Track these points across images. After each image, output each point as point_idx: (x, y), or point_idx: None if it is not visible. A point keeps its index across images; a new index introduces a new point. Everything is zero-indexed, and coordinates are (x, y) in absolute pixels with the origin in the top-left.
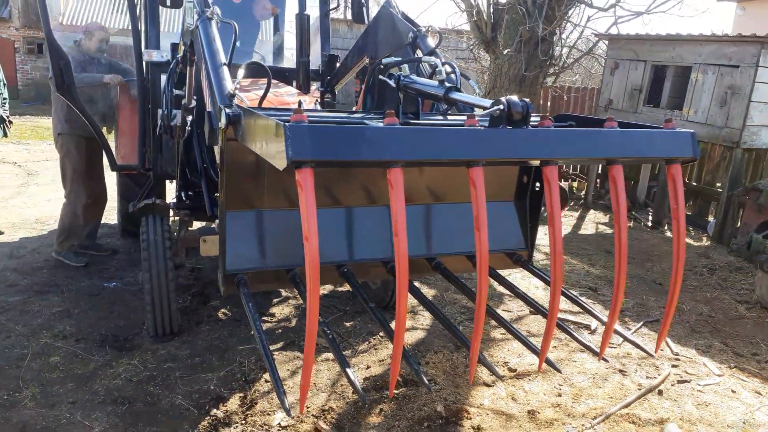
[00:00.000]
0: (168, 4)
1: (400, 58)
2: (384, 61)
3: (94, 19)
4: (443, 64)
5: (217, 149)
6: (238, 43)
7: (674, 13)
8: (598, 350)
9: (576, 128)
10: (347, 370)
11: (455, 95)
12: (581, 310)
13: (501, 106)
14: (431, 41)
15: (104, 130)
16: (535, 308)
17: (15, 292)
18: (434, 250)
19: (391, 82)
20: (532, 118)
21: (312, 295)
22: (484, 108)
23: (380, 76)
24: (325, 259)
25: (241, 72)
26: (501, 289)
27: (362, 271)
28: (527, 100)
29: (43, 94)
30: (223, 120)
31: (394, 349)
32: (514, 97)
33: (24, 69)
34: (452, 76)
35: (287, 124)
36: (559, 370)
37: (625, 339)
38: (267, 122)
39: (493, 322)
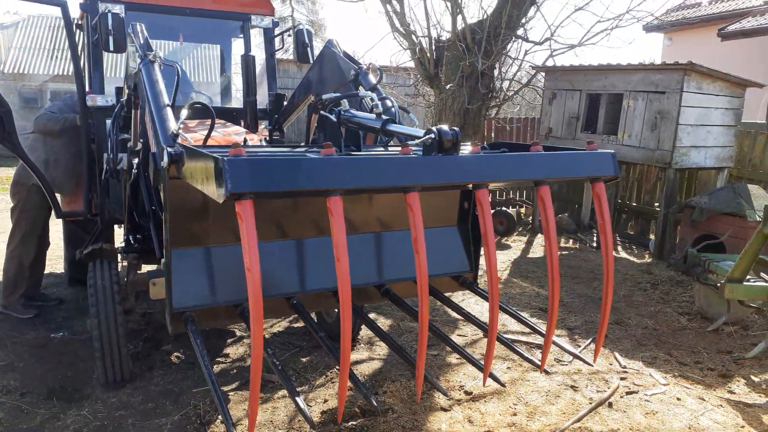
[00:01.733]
0: (111, 48)
1: (339, 94)
2: (324, 96)
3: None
4: (381, 98)
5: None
6: (180, 85)
7: (604, 45)
8: (539, 363)
9: (504, 153)
10: (296, 398)
11: (392, 127)
12: (532, 331)
13: (432, 135)
14: (372, 78)
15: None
16: (479, 327)
17: None
18: (383, 277)
19: (332, 117)
20: (463, 146)
21: (256, 324)
22: (418, 137)
23: (322, 112)
24: (275, 291)
25: (184, 112)
26: (455, 314)
27: (313, 302)
28: (456, 128)
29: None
30: (166, 159)
31: (341, 374)
32: (445, 127)
33: None
34: (391, 110)
35: (225, 158)
36: (502, 384)
37: (566, 351)
38: (206, 158)
39: (450, 347)
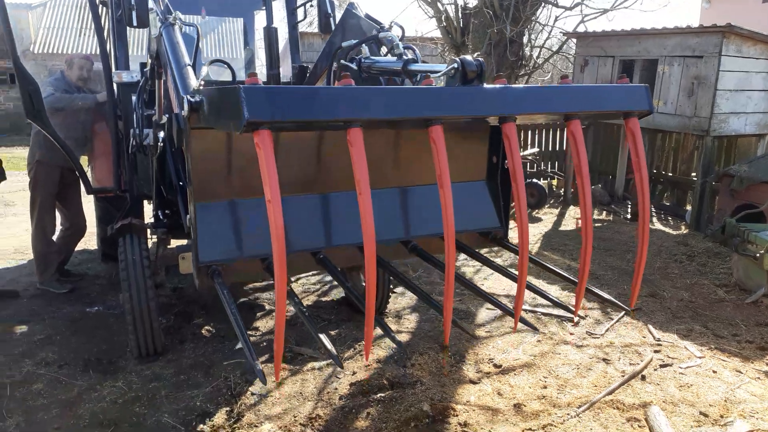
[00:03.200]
0: (135, 23)
1: (358, 41)
2: (344, 44)
3: (63, 44)
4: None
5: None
6: (201, 45)
7: (638, 8)
8: (573, 309)
9: (531, 85)
10: (320, 335)
11: (413, 66)
12: (563, 280)
13: (455, 65)
14: (396, 36)
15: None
16: (509, 277)
17: None
18: (410, 233)
19: (353, 66)
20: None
21: (278, 254)
22: (440, 72)
23: (342, 61)
24: (300, 245)
25: (204, 69)
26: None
27: (340, 258)
28: (482, 59)
29: (18, 125)
30: (186, 107)
31: (366, 317)
32: (469, 57)
33: None
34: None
35: (242, 86)
36: (535, 329)
37: (600, 297)
38: (223, 91)
39: (479, 320)
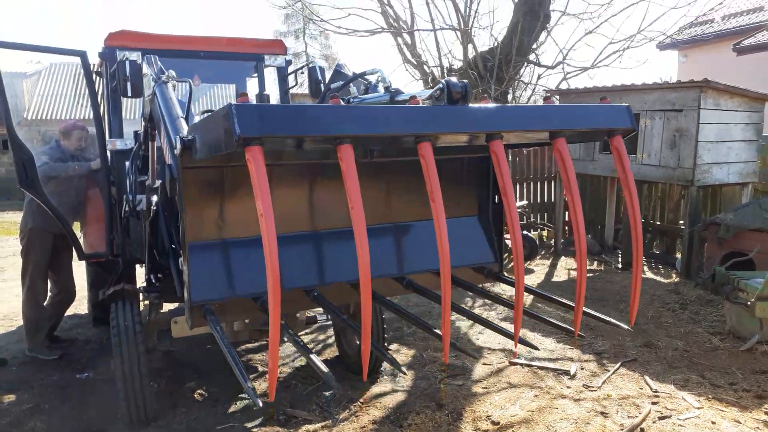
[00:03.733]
0: (129, 94)
1: (346, 80)
2: (332, 85)
3: (57, 111)
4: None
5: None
6: (193, 108)
7: (617, 66)
8: (572, 329)
9: (517, 105)
10: (310, 355)
11: (401, 96)
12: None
13: (441, 86)
14: (381, 88)
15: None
16: (506, 305)
17: None
18: (404, 269)
19: (339, 101)
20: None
21: (272, 270)
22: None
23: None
24: (294, 283)
25: (196, 119)
26: (480, 342)
27: (333, 295)
28: (466, 81)
29: (10, 190)
30: (179, 145)
31: (363, 337)
32: (453, 79)
33: None
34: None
35: (233, 104)
36: (535, 347)
37: (597, 318)
38: (215, 114)
39: (475, 376)
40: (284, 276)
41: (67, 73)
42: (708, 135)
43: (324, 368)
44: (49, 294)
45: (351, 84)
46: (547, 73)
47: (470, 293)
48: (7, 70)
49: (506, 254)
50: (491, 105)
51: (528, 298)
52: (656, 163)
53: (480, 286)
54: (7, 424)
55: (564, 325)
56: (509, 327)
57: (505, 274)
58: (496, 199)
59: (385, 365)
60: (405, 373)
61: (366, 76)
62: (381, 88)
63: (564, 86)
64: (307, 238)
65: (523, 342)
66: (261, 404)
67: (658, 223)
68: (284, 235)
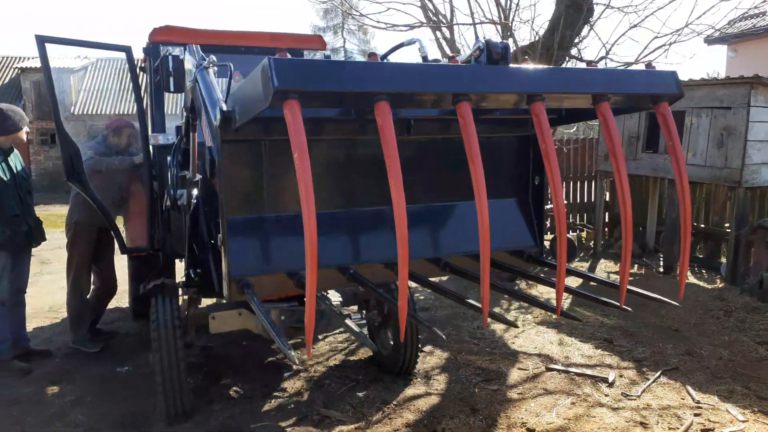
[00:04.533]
0: (172, 89)
1: (389, 49)
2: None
3: (102, 106)
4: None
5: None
6: (234, 82)
7: (662, 61)
8: (617, 304)
9: (560, 66)
10: (347, 322)
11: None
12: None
13: (480, 45)
14: (420, 58)
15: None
16: (546, 283)
17: (27, 383)
18: (441, 251)
19: (377, 58)
20: None
21: (309, 229)
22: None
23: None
24: (328, 261)
25: None
26: (515, 346)
27: (369, 275)
28: (508, 42)
29: (56, 183)
30: (219, 116)
31: (399, 308)
32: (494, 39)
33: (38, 159)
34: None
35: (271, 57)
36: (578, 319)
37: (642, 295)
38: (253, 73)
39: (510, 381)
40: (320, 254)
41: (113, 68)
42: (758, 134)
43: (359, 330)
44: (91, 287)
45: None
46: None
47: (508, 290)
48: (55, 65)
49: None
50: (533, 65)
51: (564, 303)
52: (702, 163)
53: (518, 281)
54: (50, 415)
55: (610, 301)
56: (545, 333)
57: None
58: (536, 181)
59: (419, 368)
60: (444, 338)
61: (404, 47)
62: (419, 58)
63: None
64: (343, 217)
65: (565, 314)
66: (297, 362)
67: (703, 225)
68: (321, 213)
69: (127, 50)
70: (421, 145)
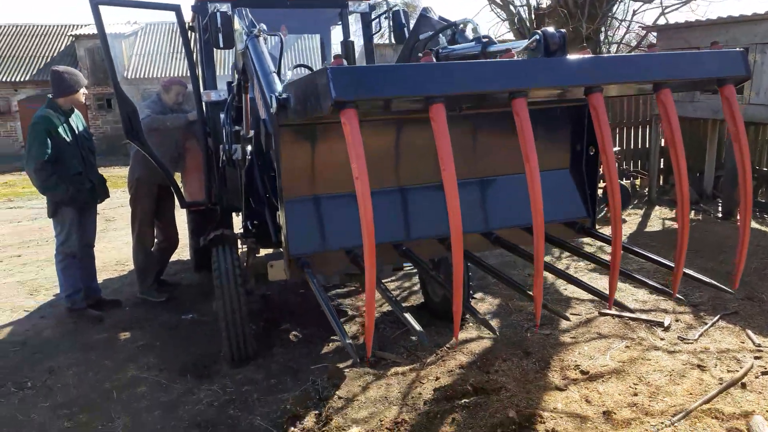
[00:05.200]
0: (221, 45)
1: (436, 30)
2: (420, 36)
3: (154, 69)
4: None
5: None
6: (282, 60)
7: None
8: (670, 292)
9: (617, 54)
10: (405, 315)
11: (493, 47)
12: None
13: (537, 37)
14: (470, 33)
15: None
16: (599, 262)
17: (101, 330)
18: (491, 225)
19: (432, 58)
20: None
21: (368, 234)
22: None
23: (419, 54)
24: (382, 238)
25: (289, 74)
26: (567, 293)
27: (421, 250)
28: (564, 30)
29: (114, 147)
30: (274, 103)
31: (454, 294)
32: (550, 29)
33: (96, 124)
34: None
35: (329, 67)
36: (631, 310)
37: (698, 280)
38: (310, 77)
39: (563, 326)
40: (375, 231)
41: (162, 32)
42: None
43: (417, 326)
44: (155, 241)
45: (439, 34)
46: (644, 8)
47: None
48: (108, 31)
49: (602, 205)
50: (590, 56)
51: None
52: (766, 102)
53: (571, 241)
54: (124, 359)
55: (661, 286)
56: (598, 279)
57: (597, 228)
58: (591, 151)
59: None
60: (496, 333)
61: (458, 22)
62: (470, 35)
63: (662, 22)
64: (395, 193)
65: (619, 304)
66: (359, 360)
67: (765, 169)
68: (373, 191)
69: (176, 9)
70: (473, 117)
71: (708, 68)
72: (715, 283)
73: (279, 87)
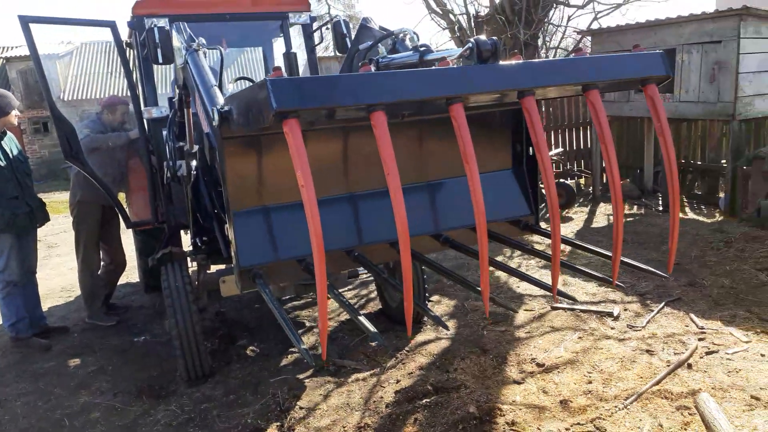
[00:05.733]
0: (160, 60)
1: (374, 40)
2: (360, 46)
3: (91, 90)
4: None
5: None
6: (224, 73)
7: (651, 0)
8: (610, 279)
9: (548, 59)
10: (358, 317)
11: (430, 56)
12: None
13: (470, 45)
14: (409, 43)
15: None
16: (543, 256)
17: (49, 358)
18: (440, 226)
19: (372, 67)
20: None
21: (316, 238)
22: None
23: (359, 64)
24: (333, 245)
25: (230, 87)
26: (520, 290)
27: (373, 255)
28: (495, 38)
29: (54, 171)
30: (216, 116)
31: (405, 289)
32: (482, 37)
33: (33, 149)
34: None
35: (268, 79)
36: (574, 299)
37: (634, 267)
38: (250, 89)
39: (518, 321)
40: (325, 238)
41: (98, 51)
42: (749, 65)
43: (371, 328)
44: (101, 264)
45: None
46: (578, 13)
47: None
48: (41, 52)
49: (543, 204)
50: (521, 61)
51: (565, 247)
52: (695, 99)
53: (517, 238)
54: (75, 386)
55: (602, 275)
56: (548, 276)
57: (542, 224)
58: (531, 152)
59: None
60: (448, 329)
61: (396, 32)
62: (408, 44)
63: (595, 26)
64: (345, 201)
65: (562, 294)
66: (314, 364)
67: (699, 162)
68: (323, 199)
69: (111, 25)
70: (415, 124)
71: (631, 69)
72: (650, 268)
73: (221, 100)
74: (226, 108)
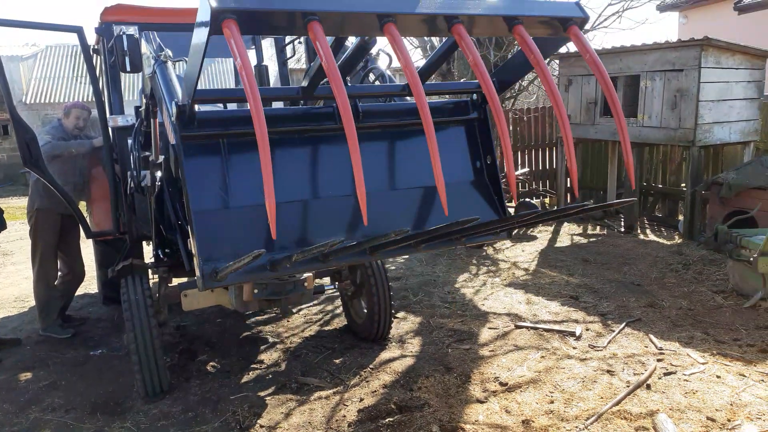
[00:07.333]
0: (128, 69)
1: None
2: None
3: (55, 94)
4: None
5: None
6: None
7: (617, 27)
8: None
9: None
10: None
11: None
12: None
13: None
14: (382, 63)
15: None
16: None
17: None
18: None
19: None
20: None
21: (263, 143)
22: None
23: None
24: (297, 248)
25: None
26: (485, 308)
27: (336, 255)
28: None
29: (13, 175)
30: (174, 110)
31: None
32: None
33: None
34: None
35: None
36: (535, 207)
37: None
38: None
39: (482, 340)
40: (288, 240)
41: (64, 54)
42: (709, 94)
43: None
44: (59, 274)
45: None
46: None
47: (475, 256)
48: (3, 54)
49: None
50: None
51: (531, 264)
52: (657, 125)
53: (485, 247)
54: (25, 401)
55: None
56: (513, 294)
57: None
58: (488, 160)
59: (393, 332)
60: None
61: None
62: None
63: (563, 50)
64: (308, 203)
65: (526, 204)
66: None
67: (660, 186)
68: (286, 201)
69: (78, 30)
70: (373, 133)
71: (551, 9)
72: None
73: (180, 97)
74: (184, 102)
